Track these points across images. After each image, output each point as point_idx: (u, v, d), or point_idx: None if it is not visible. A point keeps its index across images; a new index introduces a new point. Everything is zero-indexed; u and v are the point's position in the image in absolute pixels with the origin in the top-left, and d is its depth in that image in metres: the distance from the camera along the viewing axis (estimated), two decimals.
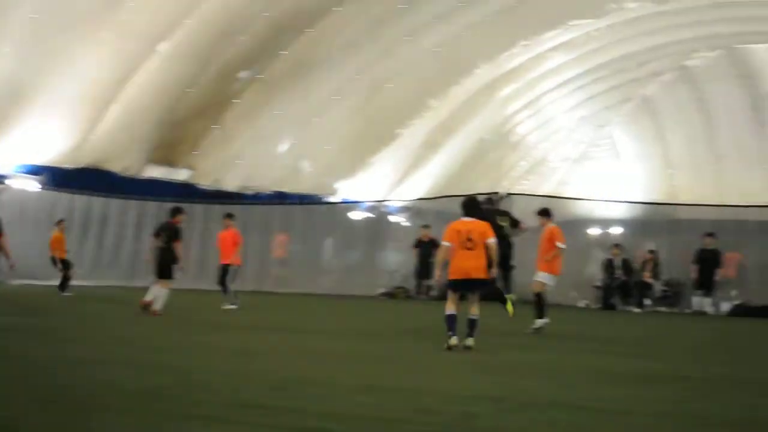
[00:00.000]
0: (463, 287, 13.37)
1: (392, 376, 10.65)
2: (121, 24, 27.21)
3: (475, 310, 13.36)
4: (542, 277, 16.93)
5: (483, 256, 13.46)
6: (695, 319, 25.62)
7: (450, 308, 13.11)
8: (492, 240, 13.53)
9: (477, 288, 13.40)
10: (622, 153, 45.07)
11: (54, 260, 25.10)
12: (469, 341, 12.87)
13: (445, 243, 13.51)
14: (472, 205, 14.27)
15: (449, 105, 37.58)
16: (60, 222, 26.19)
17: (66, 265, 25.03)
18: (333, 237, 33.40)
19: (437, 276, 14.92)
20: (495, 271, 13.80)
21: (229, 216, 22.83)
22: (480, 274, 13.36)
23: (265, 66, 32.17)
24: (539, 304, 16.56)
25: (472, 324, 13.10)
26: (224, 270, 21.83)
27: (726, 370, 12.59)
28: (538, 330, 16.09)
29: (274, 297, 27.30)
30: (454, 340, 12.72)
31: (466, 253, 13.22)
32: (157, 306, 17.59)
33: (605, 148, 45.32)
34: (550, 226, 17.30)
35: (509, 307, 16.84)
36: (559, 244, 16.91)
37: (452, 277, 13.39)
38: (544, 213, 17.70)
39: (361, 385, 9.45)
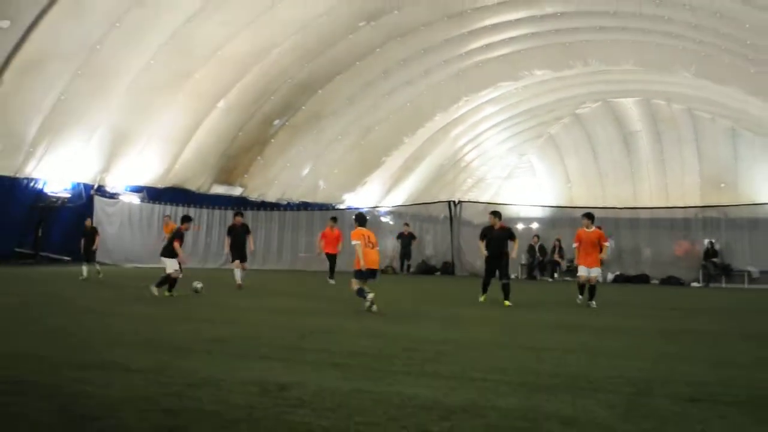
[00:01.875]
0: (369, 275, 12.95)
1: (384, 326, 10.67)
2: (192, 89, 27.35)
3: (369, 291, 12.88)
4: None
5: (378, 253, 13.42)
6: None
7: (358, 285, 12.72)
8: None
9: (375, 275, 13.19)
10: (537, 172, 45.22)
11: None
12: (374, 307, 12.32)
13: (355, 242, 12.98)
14: (363, 218, 13.83)
15: (417, 141, 37.63)
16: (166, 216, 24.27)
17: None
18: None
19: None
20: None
21: (334, 219, 21.72)
22: (377, 265, 13.29)
23: (291, 116, 32.20)
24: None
25: (364, 293, 12.55)
26: (332, 258, 20.97)
27: (612, 319, 12.81)
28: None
29: (304, 273, 27.17)
30: (367, 303, 12.24)
31: (371, 251, 12.98)
32: (238, 280, 17.26)
33: (525, 169, 45.41)
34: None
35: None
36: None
37: (364, 267, 12.85)
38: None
39: (362, 332, 9.60)
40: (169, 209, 29.36)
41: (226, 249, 18.30)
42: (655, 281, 26.53)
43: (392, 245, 30.89)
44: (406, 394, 5.81)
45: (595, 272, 14.86)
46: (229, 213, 31.15)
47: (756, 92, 30.73)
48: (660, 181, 40.77)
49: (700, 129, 38.88)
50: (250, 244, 18.29)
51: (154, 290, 14.76)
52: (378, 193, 38.80)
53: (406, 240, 29.91)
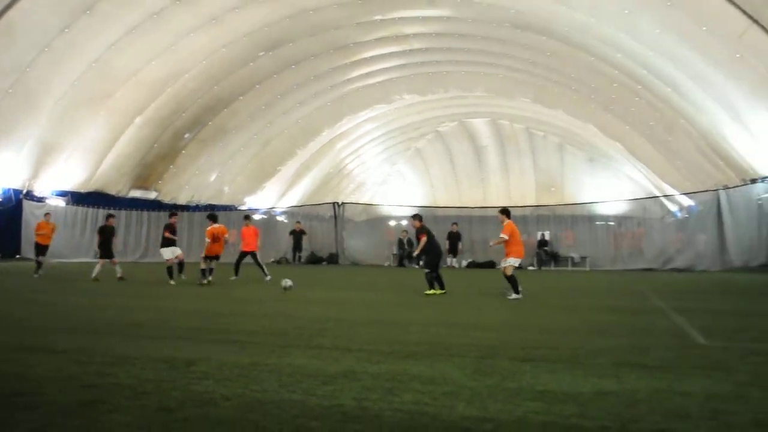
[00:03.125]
0: (215, 258, 15.98)
1: (278, 308, 11.04)
2: (112, 107, 27.38)
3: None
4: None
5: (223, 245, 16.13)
6: (449, 270, 25.17)
7: (205, 265, 15.57)
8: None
9: (218, 258, 16.15)
10: (406, 178, 45.55)
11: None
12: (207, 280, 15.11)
13: (208, 238, 15.69)
14: (215, 217, 16.61)
15: (308, 152, 37.74)
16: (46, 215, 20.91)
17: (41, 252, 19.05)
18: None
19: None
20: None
21: (247, 218, 19.68)
22: (219, 252, 16.15)
23: (199, 130, 31.86)
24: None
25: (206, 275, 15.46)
26: (247, 255, 18.43)
27: (465, 298, 13.86)
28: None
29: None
30: (205, 281, 15.05)
31: (216, 245, 15.83)
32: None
33: (397, 176, 45.86)
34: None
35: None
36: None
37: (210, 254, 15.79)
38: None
39: (259, 314, 9.97)
40: (91, 211, 29.47)
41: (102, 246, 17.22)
42: (500, 266, 28.10)
43: (286, 240, 31.41)
44: (296, 365, 5.88)
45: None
46: (145, 214, 31.66)
47: (577, 115, 33.25)
48: (504, 185, 41.81)
49: (535, 144, 40.47)
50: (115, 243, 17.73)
51: (172, 282, 15.26)
52: (274, 196, 38.48)
53: (298, 235, 30.78)
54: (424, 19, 27.71)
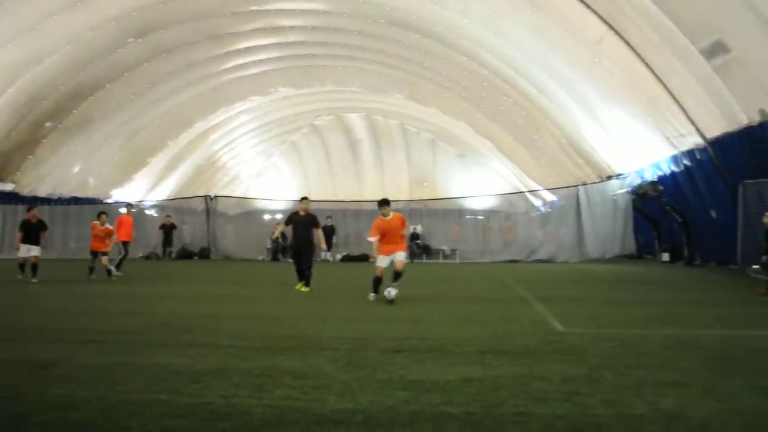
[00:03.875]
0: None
1: (143, 305, 10.89)
2: None
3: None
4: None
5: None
6: (323, 264, 25.21)
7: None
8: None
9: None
10: (282, 172, 45.10)
11: None
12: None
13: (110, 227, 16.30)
14: (104, 212, 17.46)
15: (180, 144, 36.74)
16: None
17: None
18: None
19: None
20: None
21: (129, 206, 20.82)
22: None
23: (63, 119, 29.82)
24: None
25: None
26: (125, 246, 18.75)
27: (336, 289, 14.23)
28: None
29: (74, 262, 26.21)
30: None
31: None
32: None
33: (272, 169, 45.39)
34: (397, 214, 12.38)
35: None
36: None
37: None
38: (384, 203, 12.06)
39: (123, 312, 9.67)
40: None
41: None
42: (373, 260, 28.40)
43: (156, 235, 30.66)
44: (164, 363, 5.80)
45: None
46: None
47: (449, 113, 34.19)
48: (379, 180, 42.25)
49: (409, 139, 41.20)
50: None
51: (34, 280, 15.14)
52: (144, 189, 37.23)
53: (168, 230, 30.09)
54: (301, 12, 27.52)
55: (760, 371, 6.04)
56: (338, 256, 29.59)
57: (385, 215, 12.05)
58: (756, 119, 17.59)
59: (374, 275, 11.92)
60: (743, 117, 18.09)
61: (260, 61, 31.93)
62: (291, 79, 33.72)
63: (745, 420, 4.54)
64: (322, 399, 4.82)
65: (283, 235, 28.68)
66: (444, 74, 30.39)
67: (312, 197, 36.83)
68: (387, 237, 12.00)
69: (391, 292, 11.24)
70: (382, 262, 11.99)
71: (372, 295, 11.88)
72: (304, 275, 13.46)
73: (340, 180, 43.11)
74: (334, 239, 29.19)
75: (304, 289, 13.28)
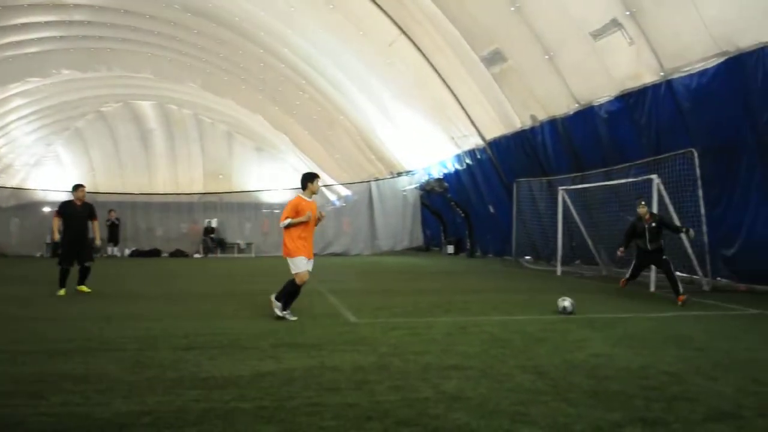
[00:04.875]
0: None
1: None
2: None
3: None
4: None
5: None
6: (109, 260, 24.34)
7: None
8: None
9: None
10: (63, 161, 41.58)
11: None
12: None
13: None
14: None
15: None
16: None
17: None
18: None
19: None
20: None
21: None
22: None
23: None
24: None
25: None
26: None
27: (128, 279, 13.30)
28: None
29: None
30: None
31: None
32: None
33: (52, 158, 41.56)
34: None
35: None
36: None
37: None
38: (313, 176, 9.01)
39: None
40: None
41: None
42: (165, 254, 27.67)
43: None
44: None
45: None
46: None
47: (246, 105, 34.17)
48: (172, 172, 41.19)
49: (203, 131, 40.53)
50: None
51: None
52: None
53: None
54: None
55: (529, 353, 6.69)
56: (127, 251, 28.13)
57: (313, 192, 8.81)
58: (528, 123, 19.52)
59: (293, 284, 8.72)
60: (517, 121, 20.01)
61: (39, 39, 29.05)
62: (75, 61, 31.27)
63: (518, 397, 4.97)
64: (106, 403, 4.62)
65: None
66: (241, 66, 30.28)
67: (98, 189, 36.18)
68: (307, 229, 8.73)
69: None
70: (305, 265, 8.76)
71: (285, 313, 8.72)
72: (83, 274, 12.19)
73: (130, 172, 41.13)
74: (122, 234, 27.76)
75: (84, 289, 12.14)
